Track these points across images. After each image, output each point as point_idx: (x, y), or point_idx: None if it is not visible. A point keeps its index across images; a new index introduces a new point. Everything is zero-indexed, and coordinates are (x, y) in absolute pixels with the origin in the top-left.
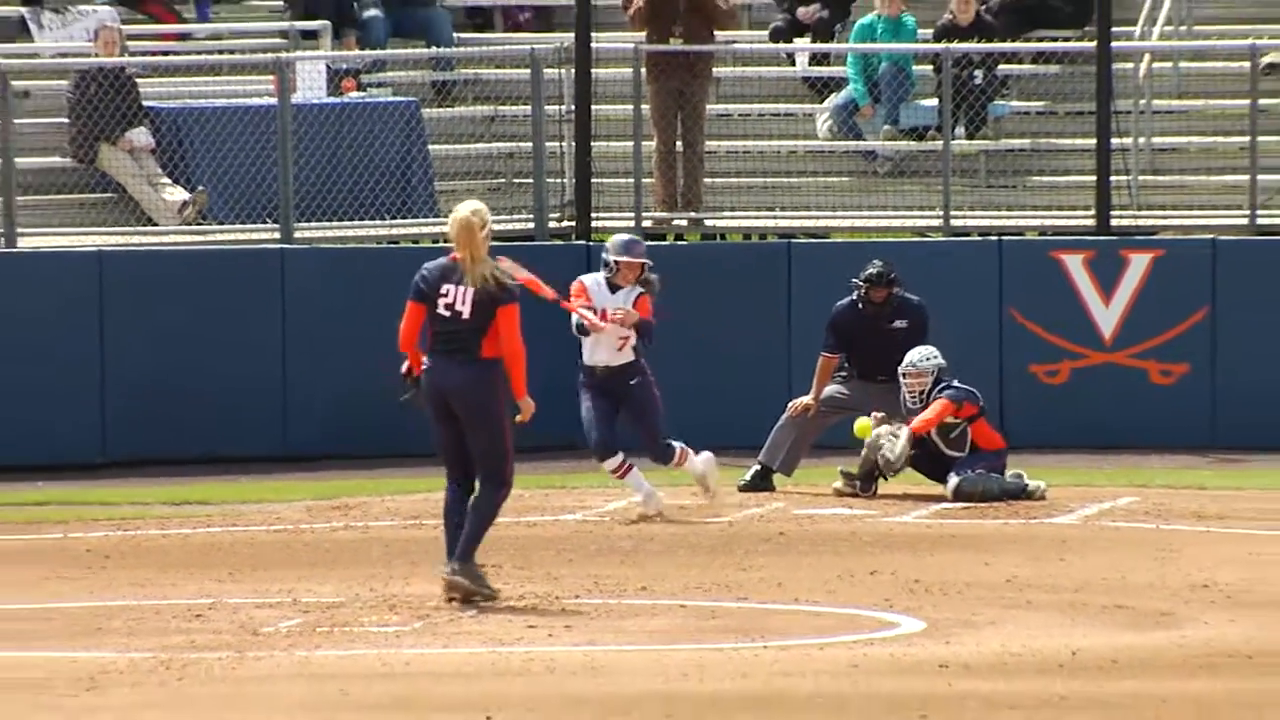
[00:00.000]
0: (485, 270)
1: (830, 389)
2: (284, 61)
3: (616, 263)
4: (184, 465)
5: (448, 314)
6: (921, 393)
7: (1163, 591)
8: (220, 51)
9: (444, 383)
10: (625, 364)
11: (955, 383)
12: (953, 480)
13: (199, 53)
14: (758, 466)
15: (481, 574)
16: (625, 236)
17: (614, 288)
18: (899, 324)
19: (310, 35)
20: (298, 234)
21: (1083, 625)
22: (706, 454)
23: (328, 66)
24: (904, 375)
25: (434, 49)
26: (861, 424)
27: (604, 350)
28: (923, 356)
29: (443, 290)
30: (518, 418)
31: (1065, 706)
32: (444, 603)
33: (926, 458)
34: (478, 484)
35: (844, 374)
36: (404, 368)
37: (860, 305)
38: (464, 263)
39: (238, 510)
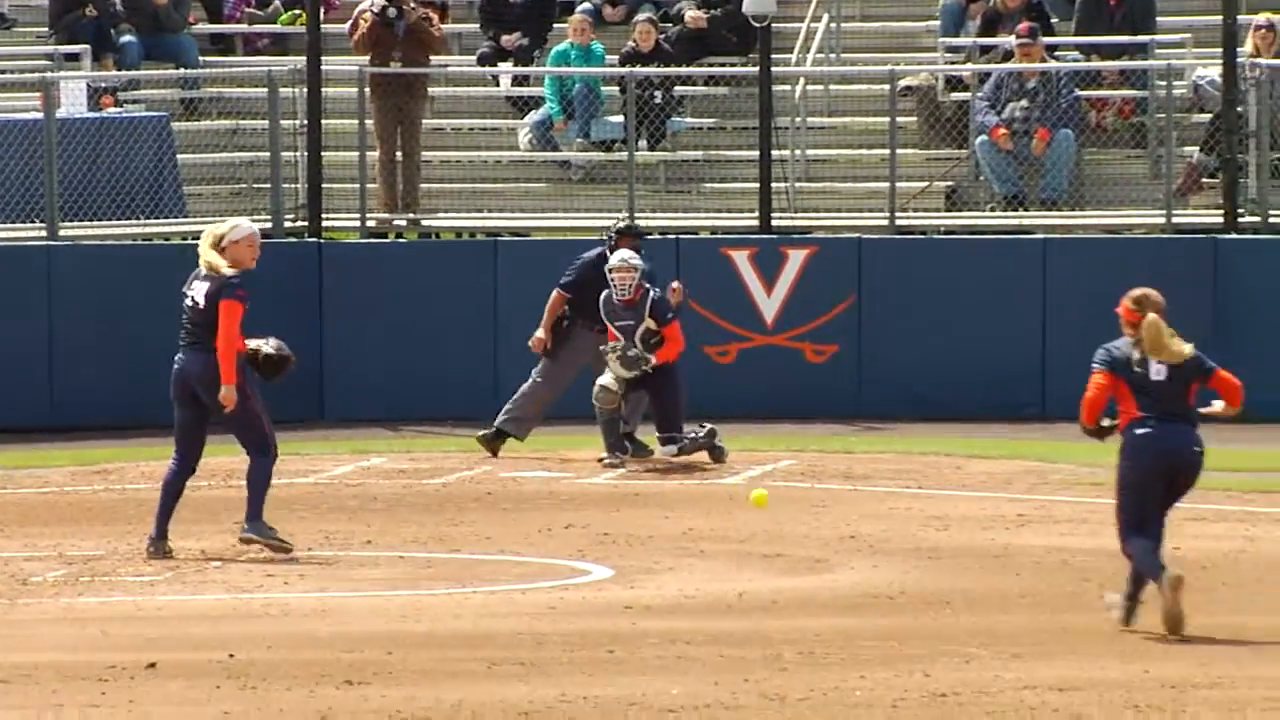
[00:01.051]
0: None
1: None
2: (49, 81)
3: None
4: None
5: (190, 305)
6: (631, 284)
7: (816, 541)
8: None
9: (190, 371)
10: None
11: (656, 292)
12: (670, 448)
13: None
14: (493, 430)
15: (272, 530)
16: None
17: None
18: None
19: (72, 58)
20: (62, 232)
21: (748, 571)
22: None
23: (88, 85)
24: (613, 270)
25: (182, 70)
26: (758, 495)
27: None
28: (631, 254)
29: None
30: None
31: (732, 641)
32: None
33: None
34: (248, 456)
35: (565, 320)
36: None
37: (609, 254)
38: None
39: (9, 474)
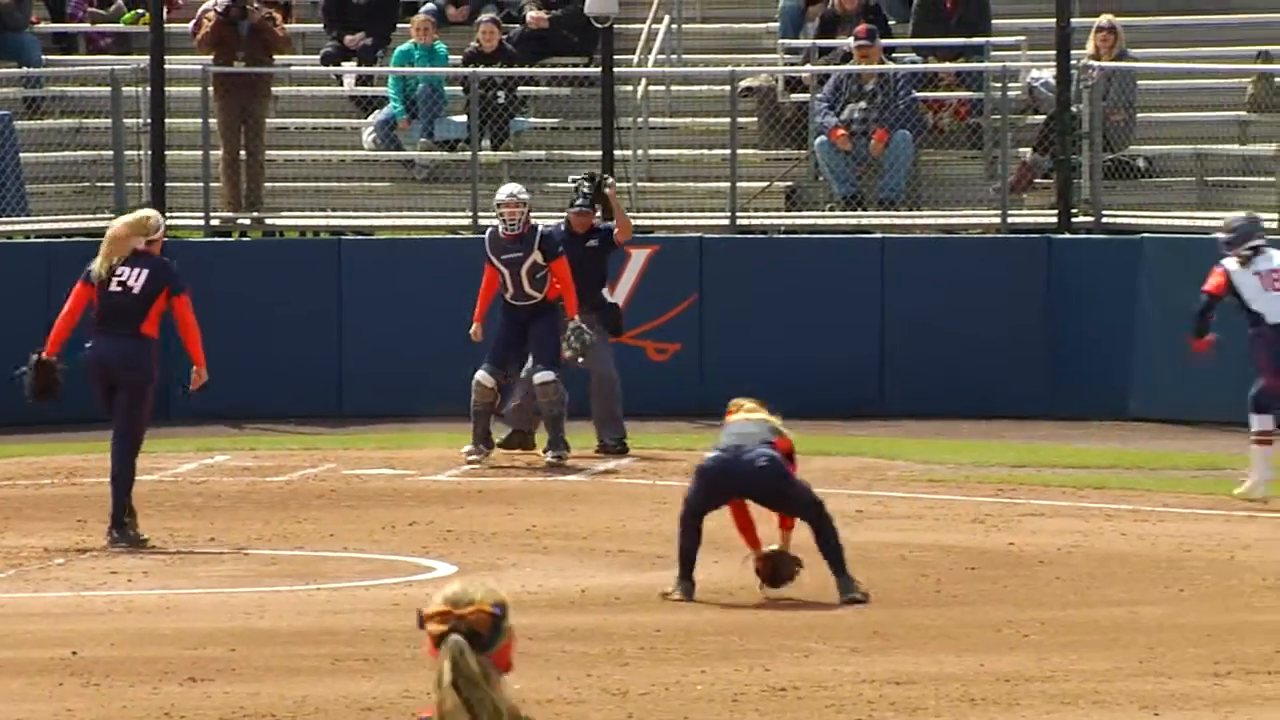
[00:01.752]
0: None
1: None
2: None
3: None
4: None
5: (118, 290)
6: (519, 219)
7: (658, 538)
8: None
9: (109, 355)
10: None
11: (545, 226)
12: (547, 374)
13: None
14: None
15: (135, 533)
16: None
17: None
18: (592, 243)
19: None
20: None
21: (590, 567)
22: None
23: None
24: (501, 206)
25: (25, 68)
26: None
27: None
28: (519, 189)
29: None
30: (191, 385)
31: (575, 636)
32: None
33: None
34: (116, 455)
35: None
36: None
37: (569, 222)
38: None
39: None
